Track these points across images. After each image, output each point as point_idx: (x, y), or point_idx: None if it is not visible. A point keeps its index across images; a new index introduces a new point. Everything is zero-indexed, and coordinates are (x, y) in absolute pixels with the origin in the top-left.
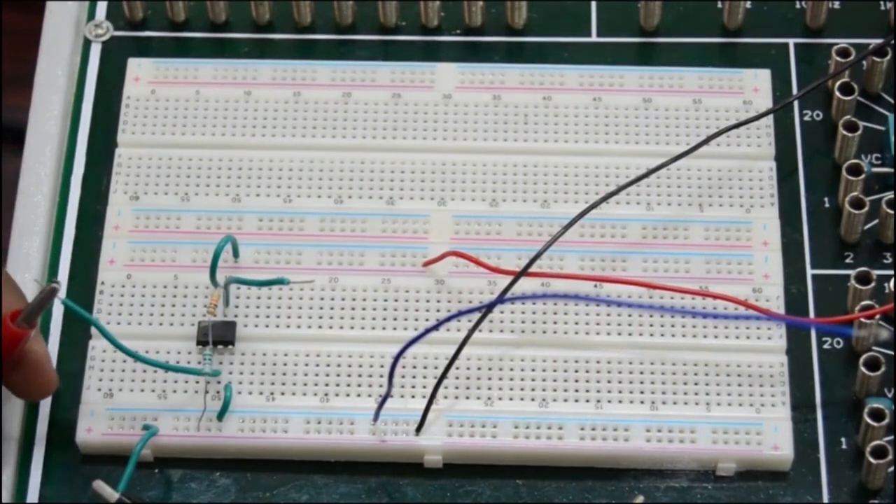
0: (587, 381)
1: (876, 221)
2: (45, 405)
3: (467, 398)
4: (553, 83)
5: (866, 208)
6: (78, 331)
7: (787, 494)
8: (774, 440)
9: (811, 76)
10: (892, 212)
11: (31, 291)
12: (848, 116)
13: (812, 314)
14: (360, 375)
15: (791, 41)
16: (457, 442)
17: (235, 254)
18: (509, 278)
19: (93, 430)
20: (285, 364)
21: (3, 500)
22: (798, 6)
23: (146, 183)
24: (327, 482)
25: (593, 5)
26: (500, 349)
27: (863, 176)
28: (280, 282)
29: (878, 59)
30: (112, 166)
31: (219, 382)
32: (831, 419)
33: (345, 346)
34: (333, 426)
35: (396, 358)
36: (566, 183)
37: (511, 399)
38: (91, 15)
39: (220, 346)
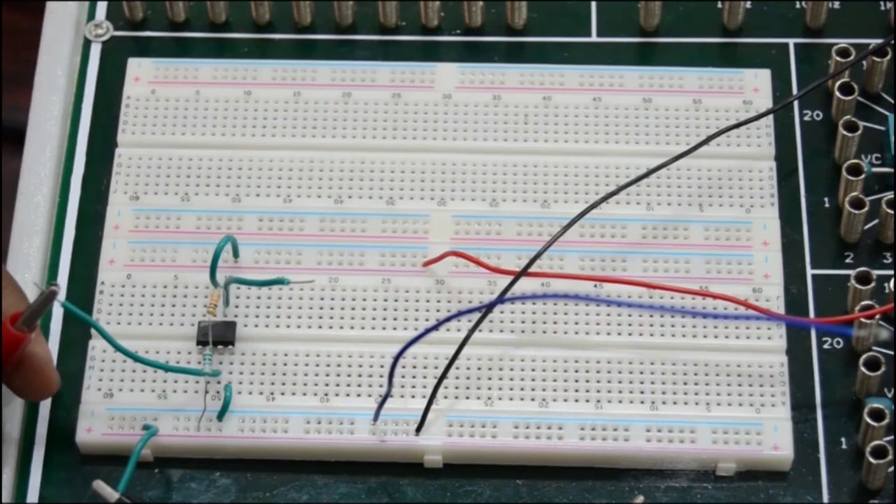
0: (587, 381)
1: (876, 221)
2: (45, 405)
3: (467, 398)
4: (553, 83)
5: (866, 208)
6: (78, 331)
7: (787, 494)
8: (774, 440)
9: (811, 76)
10: (892, 212)
11: (30, 294)
12: (848, 116)
13: (812, 314)
14: (360, 375)
15: (791, 41)
16: (457, 442)
17: (235, 254)
18: (509, 278)
19: (93, 430)
20: (285, 364)
21: (3, 501)
22: (798, 6)
23: (146, 183)
24: (327, 482)
25: (593, 5)
26: (500, 349)
27: (863, 176)
28: (280, 282)
29: (878, 59)
30: (112, 166)
31: (219, 382)
32: (831, 419)
33: (345, 346)
34: (333, 426)
35: (396, 358)
36: (566, 183)
37: (511, 399)
38: (91, 15)
39: (220, 347)
